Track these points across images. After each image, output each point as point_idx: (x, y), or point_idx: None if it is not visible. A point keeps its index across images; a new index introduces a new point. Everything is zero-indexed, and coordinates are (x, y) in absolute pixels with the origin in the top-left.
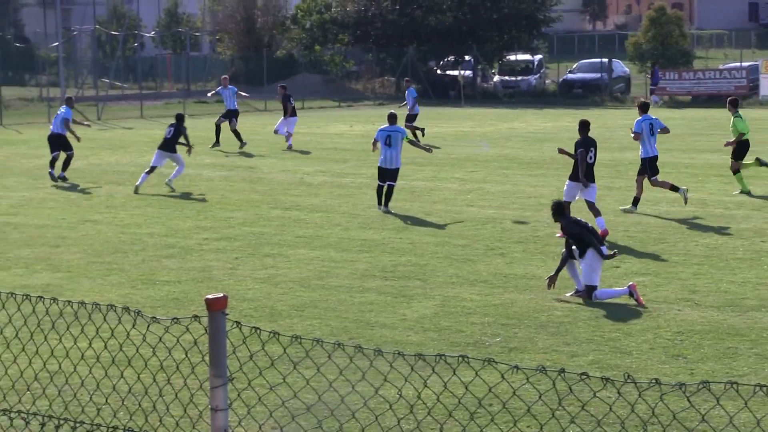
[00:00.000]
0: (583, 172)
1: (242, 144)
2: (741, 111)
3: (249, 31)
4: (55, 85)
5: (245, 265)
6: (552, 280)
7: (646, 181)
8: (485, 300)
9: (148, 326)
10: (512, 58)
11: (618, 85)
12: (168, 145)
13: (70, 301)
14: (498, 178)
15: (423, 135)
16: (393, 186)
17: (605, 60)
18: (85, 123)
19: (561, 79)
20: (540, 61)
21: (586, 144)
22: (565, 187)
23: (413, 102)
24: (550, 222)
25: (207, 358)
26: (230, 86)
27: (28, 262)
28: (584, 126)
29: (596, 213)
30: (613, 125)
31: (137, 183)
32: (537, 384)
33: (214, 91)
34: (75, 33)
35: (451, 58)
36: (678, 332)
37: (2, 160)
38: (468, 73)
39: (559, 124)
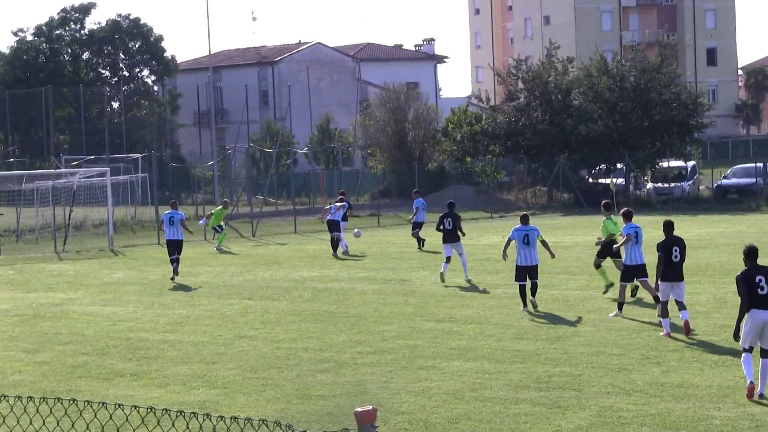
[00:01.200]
0: (659, 273)
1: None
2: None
3: (400, 145)
4: (211, 203)
5: (399, 378)
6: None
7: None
8: (642, 410)
9: None
10: (665, 164)
11: None
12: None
13: (222, 417)
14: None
15: (422, 246)
16: (536, 282)
17: (760, 164)
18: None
19: (715, 185)
20: (693, 167)
21: (665, 244)
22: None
23: (420, 211)
24: (707, 330)
25: None
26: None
27: (185, 378)
28: (667, 226)
29: (681, 307)
30: None
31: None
32: None
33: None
34: (230, 151)
35: (603, 166)
36: None
37: (160, 279)
38: (620, 180)
39: (715, 231)
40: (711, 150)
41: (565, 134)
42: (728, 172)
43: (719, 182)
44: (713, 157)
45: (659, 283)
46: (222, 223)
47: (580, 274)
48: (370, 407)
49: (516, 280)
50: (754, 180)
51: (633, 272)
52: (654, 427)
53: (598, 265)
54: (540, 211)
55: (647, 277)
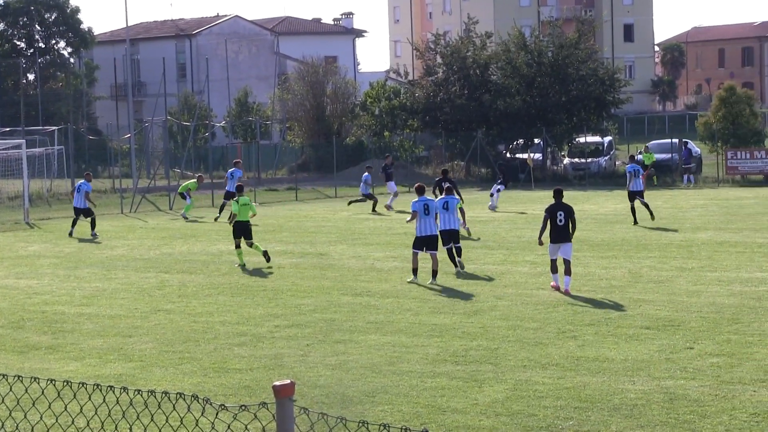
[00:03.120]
0: (541, 232)
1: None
2: None
3: (318, 119)
4: (128, 176)
5: (316, 351)
6: None
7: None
8: (557, 383)
9: (217, 414)
10: (582, 140)
11: (689, 165)
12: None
13: (139, 390)
14: None
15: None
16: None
17: (676, 140)
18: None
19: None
20: (610, 142)
21: (551, 208)
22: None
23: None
24: (622, 304)
25: None
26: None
27: (101, 352)
28: (556, 193)
29: (568, 271)
30: (686, 206)
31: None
32: None
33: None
34: (147, 124)
35: (521, 141)
36: (754, 413)
37: (75, 252)
38: (537, 155)
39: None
40: (627, 125)
41: (483, 109)
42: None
43: (635, 157)
44: (630, 132)
45: (550, 243)
46: (189, 194)
47: (497, 248)
48: (288, 381)
49: (419, 245)
50: (669, 156)
51: (423, 242)
52: (569, 400)
53: (237, 246)
54: (458, 185)
55: (436, 250)
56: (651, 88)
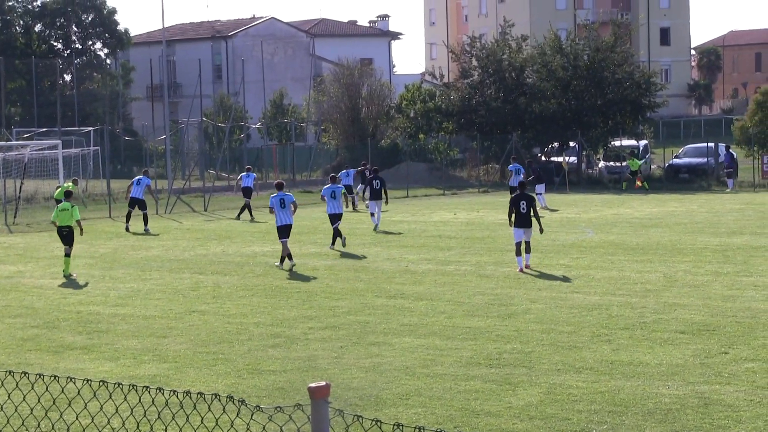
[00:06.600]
0: (510, 220)
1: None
2: None
3: (354, 121)
4: (163, 177)
5: (350, 353)
6: None
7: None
8: (591, 387)
9: (252, 415)
10: (617, 143)
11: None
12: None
13: (175, 391)
14: (603, 264)
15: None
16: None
17: (711, 144)
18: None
19: (667, 164)
20: (645, 146)
21: (515, 199)
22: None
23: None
24: (656, 308)
25: None
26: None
27: (136, 352)
28: (520, 185)
29: (528, 250)
30: (721, 210)
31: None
32: None
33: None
34: (182, 125)
35: (556, 144)
36: None
37: (111, 252)
38: (573, 159)
39: (665, 210)
40: (663, 129)
41: (519, 112)
42: (680, 151)
43: (671, 161)
44: (665, 136)
45: (514, 229)
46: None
47: (533, 252)
48: (324, 382)
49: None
50: (705, 160)
51: (284, 231)
52: (603, 404)
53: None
54: (492, 189)
55: (287, 238)
56: (687, 92)
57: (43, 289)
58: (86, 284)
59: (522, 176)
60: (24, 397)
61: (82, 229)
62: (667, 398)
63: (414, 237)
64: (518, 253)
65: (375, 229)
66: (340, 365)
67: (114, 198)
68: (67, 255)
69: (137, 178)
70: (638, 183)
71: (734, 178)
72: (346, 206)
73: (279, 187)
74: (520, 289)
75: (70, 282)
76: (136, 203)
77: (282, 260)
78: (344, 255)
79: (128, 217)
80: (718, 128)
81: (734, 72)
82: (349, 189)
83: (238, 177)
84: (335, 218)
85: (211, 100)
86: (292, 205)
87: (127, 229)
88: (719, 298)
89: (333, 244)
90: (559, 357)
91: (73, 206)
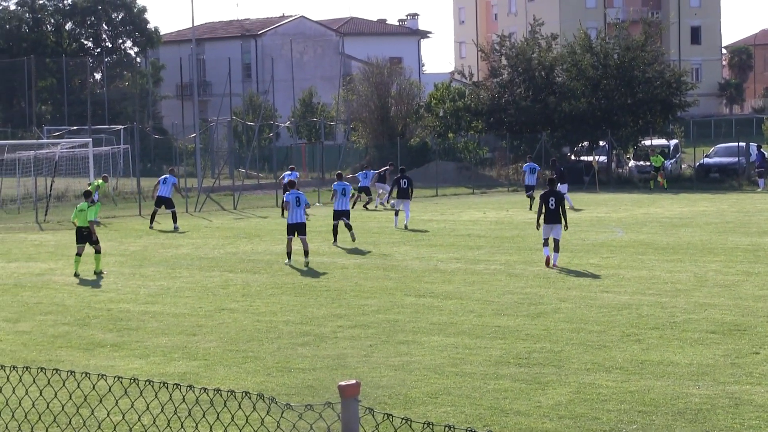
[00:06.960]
0: (538, 216)
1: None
2: None
3: (383, 120)
4: (192, 175)
5: (379, 352)
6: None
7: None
8: (621, 387)
9: (282, 413)
10: (647, 143)
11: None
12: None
13: (205, 389)
14: (633, 263)
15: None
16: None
17: (743, 144)
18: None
19: (698, 164)
20: (676, 145)
21: (545, 195)
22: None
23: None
24: (687, 308)
25: None
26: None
27: (166, 350)
28: (549, 182)
29: (557, 249)
30: (752, 209)
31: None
32: None
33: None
34: (212, 124)
35: (586, 143)
36: None
37: (140, 250)
38: (602, 158)
39: (696, 209)
40: (694, 129)
41: (548, 111)
42: (711, 151)
43: (702, 161)
44: (696, 135)
45: (543, 224)
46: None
47: (561, 251)
48: (354, 381)
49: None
50: (736, 159)
51: (294, 228)
52: (633, 404)
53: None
54: (522, 188)
55: (304, 235)
56: (718, 91)
57: (73, 287)
58: (116, 282)
59: (537, 175)
60: (55, 393)
61: (94, 232)
62: (698, 398)
63: (443, 236)
64: (546, 244)
65: (405, 227)
66: (369, 364)
67: (144, 196)
68: (98, 252)
69: (163, 177)
70: (660, 179)
71: (765, 178)
72: (353, 206)
73: (291, 185)
74: (550, 288)
75: (100, 279)
76: (163, 202)
77: (289, 255)
78: (372, 254)
79: (152, 216)
80: (749, 128)
81: (766, 71)
82: (366, 190)
83: (281, 176)
84: (339, 214)
85: (240, 99)
86: (304, 205)
87: (150, 227)
88: (750, 298)
89: (335, 241)
90: (589, 356)
91: (89, 206)
